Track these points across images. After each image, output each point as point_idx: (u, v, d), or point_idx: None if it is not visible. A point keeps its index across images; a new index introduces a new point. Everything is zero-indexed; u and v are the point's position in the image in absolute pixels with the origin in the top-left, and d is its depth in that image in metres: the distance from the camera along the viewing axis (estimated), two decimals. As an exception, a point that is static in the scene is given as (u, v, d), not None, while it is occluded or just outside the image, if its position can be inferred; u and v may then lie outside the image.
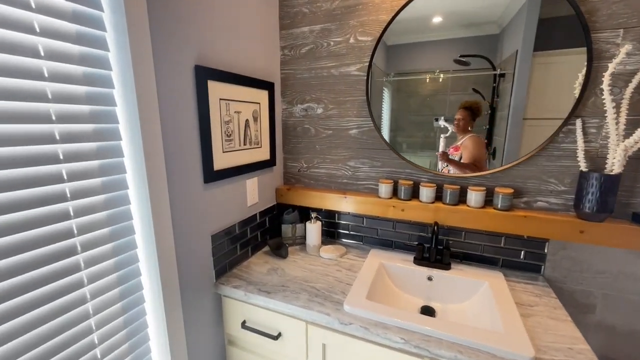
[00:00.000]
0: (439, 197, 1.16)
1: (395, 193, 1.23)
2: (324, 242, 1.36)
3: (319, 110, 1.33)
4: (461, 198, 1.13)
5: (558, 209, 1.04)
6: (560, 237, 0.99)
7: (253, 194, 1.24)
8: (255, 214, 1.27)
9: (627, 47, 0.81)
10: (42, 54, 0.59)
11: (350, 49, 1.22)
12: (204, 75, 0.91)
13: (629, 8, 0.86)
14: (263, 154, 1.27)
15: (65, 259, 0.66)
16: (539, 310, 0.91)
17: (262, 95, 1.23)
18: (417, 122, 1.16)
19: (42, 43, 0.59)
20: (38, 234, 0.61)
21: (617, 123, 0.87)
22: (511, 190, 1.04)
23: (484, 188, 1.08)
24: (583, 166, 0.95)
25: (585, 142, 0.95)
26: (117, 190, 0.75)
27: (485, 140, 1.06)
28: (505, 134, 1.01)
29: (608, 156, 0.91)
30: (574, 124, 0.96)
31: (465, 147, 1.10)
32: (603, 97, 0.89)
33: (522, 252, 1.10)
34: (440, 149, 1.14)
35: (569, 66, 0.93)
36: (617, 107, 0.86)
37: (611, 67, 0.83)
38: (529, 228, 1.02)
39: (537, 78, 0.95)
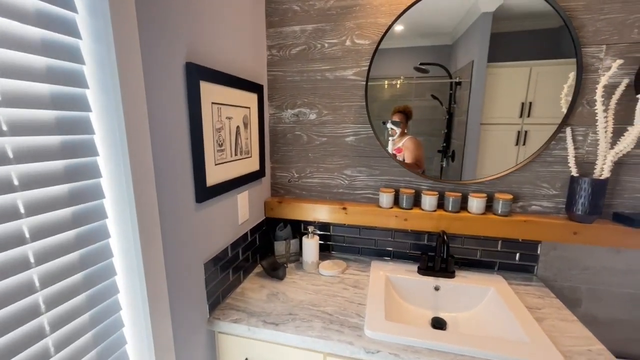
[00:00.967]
0: (440, 204, 1.16)
1: (396, 202, 1.19)
2: (320, 257, 1.26)
3: (312, 116, 1.24)
4: (462, 205, 1.13)
5: (550, 212, 1.09)
6: (555, 239, 1.04)
7: (244, 210, 1.10)
8: (247, 232, 1.12)
9: (618, 62, 0.88)
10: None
11: (347, 52, 1.15)
12: (196, 74, 0.77)
13: (610, 26, 0.94)
14: (253, 165, 1.13)
15: (24, 325, 0.47)
16: (548, 312, 0.93)
17: (252, 99, 1.10)
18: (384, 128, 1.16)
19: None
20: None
21: (606, 131, 0.93)
22: (511, 196, 1.07)
23: (485, 195, 1.09)
24: (574, 171, 1.01)
25: (574, 148, 1.01)
26: (91, 222, 0.57)
27: (444, 143, 1.10)
28: (465, 138, 1.05)
29: (597, 162, 0.97)
30: (565, 132, 1.02)
31: (406, 148, 1.14)
32: (594, 107, 0.95)
33: (517, 254, 1.15)
34: (390, 150, 1.16)
35: (522, 75, 0.99)
36: (606, 117, 0.93)
37: (603, 79, 0.90)
38: (527, 232, 1.06)
39: (491, 86, 1.00)
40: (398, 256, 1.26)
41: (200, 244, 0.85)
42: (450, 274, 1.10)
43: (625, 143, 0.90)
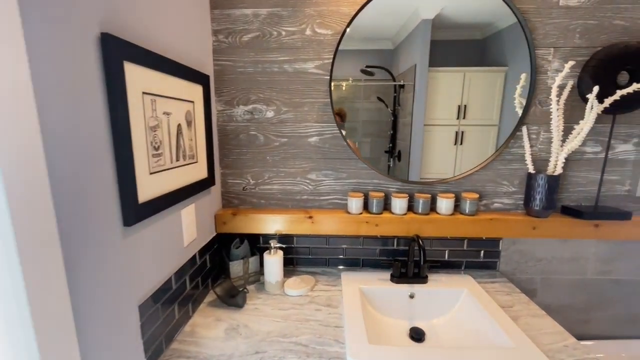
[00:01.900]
0: (409, 206, 1.11)
1: (365, 207, 1.11)
2: (284, 274, 1.11)
3: (269, 114, 1.08)
4: (431, 206, 1.10)
5: (510, 208, 1.13)
6: (517, 235, 1.07)
7: (191, 227, 0.89)
8: (195, 255, 0.92)
9: (570, 63, 0.93)
10: None
11: (307, 43, 1.03)
12: (117, 51, 0.56)
13: (557, 30, 1.00)
14: (200, 171, 0.93)
15: None
16: (519, 309, 0.94)
17: (196, 92, 0.90)
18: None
19: None
20: None
21: (558, 130, 0.98)
22: (477, 195, 1.07)
23: (453, 195, 1.08)
24: (531, 168, 1.05)
25: (530, 146, 1.05)
26: None
27: (390, 144, 1.10)
28: (410, 139, 1.07)
29: (550, 159, 1.02)
30: (521, 131, 1.05)
31: None
32: (544, 107, 0.99)
33: (482, 252, 1.16)
34: None
35: (457, 80, 1.04)
36: (558, 116, 0.98)
37: (558, 80, 0.94)
38: (493, 230, 1.07)
39: (433, 89, 1.05)
40: (368, 264, 1.17)
41: (133, 280, 0.64)
42: (423, 279, 1.05)
43: (577, 141, 0.95)
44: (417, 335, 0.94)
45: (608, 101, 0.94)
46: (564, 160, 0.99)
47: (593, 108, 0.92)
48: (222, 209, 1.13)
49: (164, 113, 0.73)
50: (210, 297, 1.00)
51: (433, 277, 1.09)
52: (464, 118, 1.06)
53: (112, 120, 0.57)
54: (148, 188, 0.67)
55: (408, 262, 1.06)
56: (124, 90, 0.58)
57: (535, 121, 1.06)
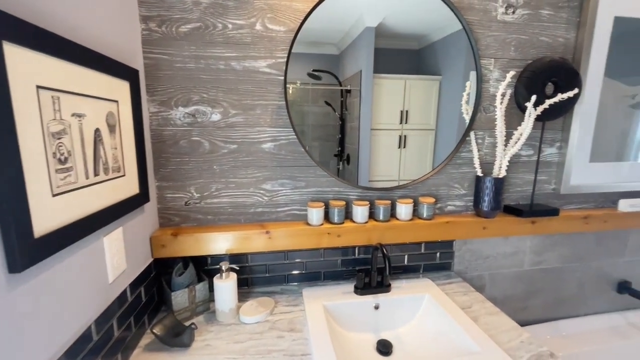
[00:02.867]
0: (370, 213, 1.07)
1: (326, 217, 1.04)
2: (238, 298, 0.98)
3: (215, 117, 0.95)
4: (391, 212, 1.08)
5: (461, 210, 1.17)
6: (470, 236, 1.12)
7: (118, 257, 0.72)
8: (124, 290, 0.74)
9: (511, 73, 0.99)
10: None
11: (258, 39, 0.93)
12: (-8, 26, 0.39)
13: (496, 42, 1.07)
14: (129, 187, 0.76)
15: None
16: (477, 309, 0.97)
17: (121, 89, 0.73)
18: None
19: None
20: None
21: (502, 135, 1.05)
22: (433, 200, 1.08)
23: (411, 200, 1.07)
24: (479, 171, 1.10)
25: (477, 151, 1.11)
26: None
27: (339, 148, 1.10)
28: (358, 142, 1.09)
29: (495, 162, 1.09)
30: (470, 136, 1.10)
31: None
32: (488, 113, 1.06)
33: (438, 254, 1.19)
34: None
35: (399, 87, 1.08)
36: (500, 122, 1.04)
37: (501, 88, 1.00)
38: (449, 232, 1.10)
39: (378, 95, 1.07)
40: (330, 277, 1.11)
41: (30, 344, 0.46)
42: (387, 288, 1.03)
43: (518, 145, 1.03)
44: (384, 348, 0.90)
45: (540, 109, 1.03)
46: (507, 164, 1.06)
47: (531, 115, 1.00)
48: (160, 229, 0.95)
49: (73, 115, 0.56)
50: (148, 338, 0.82)
51: (395, 284, 1.07)
52: (406, 123, 1.09)
53: (-15, 125, 0.40)
54: (50, 215, 0.50)
55: (371, 271, 1.02)
56: (5, 81, 0.41)
57: (481, 127, 1.12)
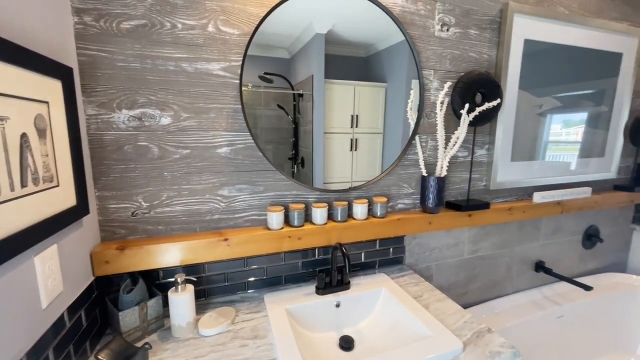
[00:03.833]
0: (329, 214, 1.11)
1: (286, 220, 1.05)
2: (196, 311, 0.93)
3: (165, 120, 0.89)
4: (348, 212, 1.13)
5: (410, 207, 1.28)
6: (418, 230, 1.22)
7: (52, 279, 0.63)
8: (61, 316, 0.66)
9: (448, 83, 1.11)
10: None
11: (211, 41, 0.90)
12: None
13: (435, 55, 1.19)
14: (63, 198, 0.68)
15: None
16: (427, 297, 1.06)
17: (53, 89, 0.65)
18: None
19: None
20: None
21: (442, 139, 1.17)
22: (385, 199, 1.16)
23: (366, 200, 1.14)
24: (424, 172, 1.21)
25: (422, 153, 1.22)
26: None
27: (293, 151, 1.14)
28: (312, 145, 1.14)
29: (437, 163, 1.21)
30: (415, 140, 1.21)
31: None
32: (430, 119, 1.17)
33: (391, 249, 1.27)
34: None
35: (349, 92, 1.15)
36: (440, 127, 1.16)
37: (441, 96, 1.12)
38: (400, 228, 1.18)
39: (330, 99, 1.13)
40: (291, 280, 1.12)
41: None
42: (346, 286, 1.07)
43: (455, 147, 1.16)
44: (346, 344, 0.94)
45: (472, 115, 1.18)
46: (447, 164, 1.18)
47: (465, 121, 1.14)
48: (102, 244, 0.86)
49: (-6, 118, 0.49)
50: (91, 366, 0.73)
51: (354, 281, 1.12)
52: (356, 126, 1.16)
53: None
54: (-32, 235, 0.42)
55: (332, 271, 1.05)
56: None
57: (424, 131, 1.23)
